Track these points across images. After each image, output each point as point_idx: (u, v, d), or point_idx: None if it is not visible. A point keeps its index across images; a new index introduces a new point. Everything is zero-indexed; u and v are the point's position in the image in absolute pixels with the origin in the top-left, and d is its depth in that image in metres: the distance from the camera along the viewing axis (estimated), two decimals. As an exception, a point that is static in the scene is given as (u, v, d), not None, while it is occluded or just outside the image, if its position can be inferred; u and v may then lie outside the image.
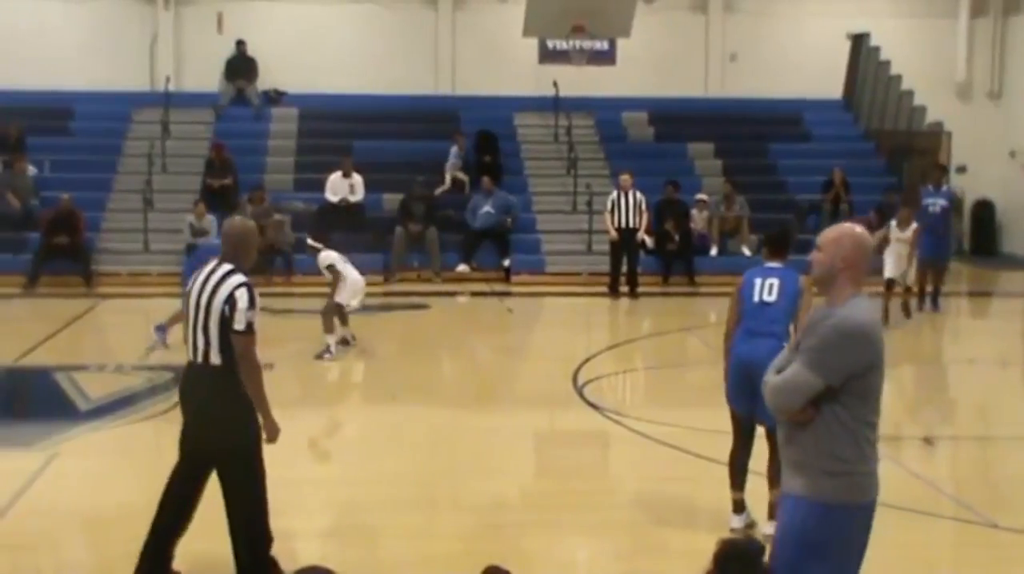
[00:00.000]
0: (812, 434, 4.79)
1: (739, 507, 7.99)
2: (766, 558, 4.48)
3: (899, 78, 24.76)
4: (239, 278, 6.59)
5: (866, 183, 22.93)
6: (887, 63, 25.02)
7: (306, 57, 24.59)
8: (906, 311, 16.63)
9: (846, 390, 4.75)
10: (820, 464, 4.75)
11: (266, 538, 6.81)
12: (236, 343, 6.53)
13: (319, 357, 13.60)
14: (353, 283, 14.05)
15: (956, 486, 9.57)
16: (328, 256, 14.01)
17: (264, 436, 6.75)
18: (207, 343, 6.59)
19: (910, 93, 24.53)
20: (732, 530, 7.87)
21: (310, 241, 14.44)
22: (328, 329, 13.77)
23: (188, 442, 6.82)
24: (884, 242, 16.19)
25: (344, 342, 14.10)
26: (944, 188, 18.81)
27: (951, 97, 25.81)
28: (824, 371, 4.76)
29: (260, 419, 6.71)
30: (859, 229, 5.07)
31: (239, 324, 6.51)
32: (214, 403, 6.66)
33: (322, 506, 8.86)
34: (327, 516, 8.64)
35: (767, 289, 8.15)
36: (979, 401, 13.23)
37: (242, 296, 6.53)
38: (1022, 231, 24.99)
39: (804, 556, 4.60)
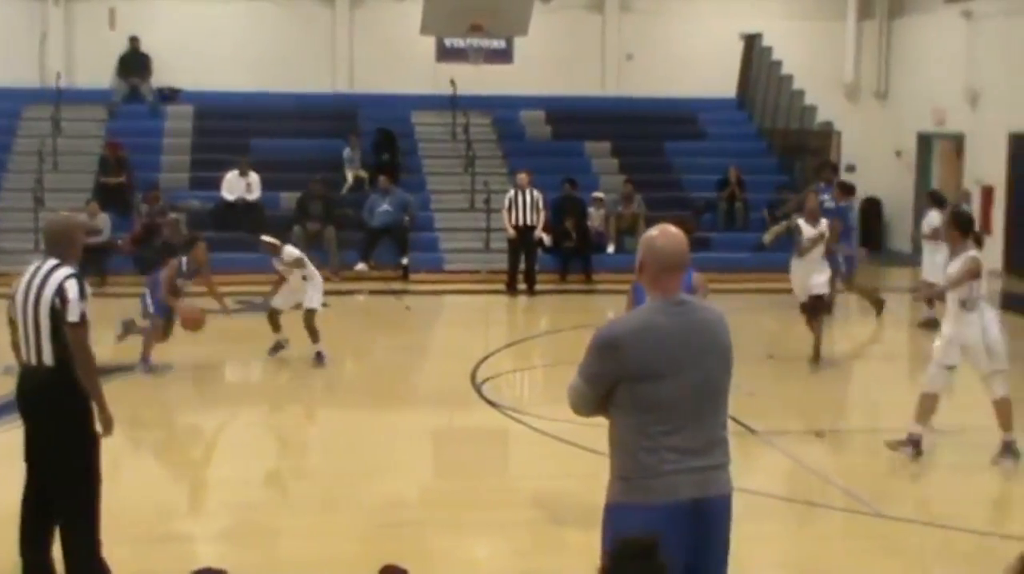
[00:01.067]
0: (610, 440, 4.85)
1: None
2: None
3: (790, 78, 25.19)
4: (67, 270, 6.48)
5: (760, 181, 23.32)
6: (779, 63, 25.44)
7: (201, 54, 24.31)
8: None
9: (622, 398, 4.74)
10: (615, 468, 4.82)
11: (97, 542, 6.64)
12: (70, 335, 6.40)
13: (273, 352, 13.52)
14: (319, 281, 13.78)
15: (845, 478, 9.80)
16: (293, 250, 13.65)
17: (100, 430, 6.59)
18: (39, 343, 6.46)
19: (801, 93, 24.96)
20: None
21: (267, 238, 13.87)
22: (277, 327, 13.59)
23: (29, 446, 6.67)
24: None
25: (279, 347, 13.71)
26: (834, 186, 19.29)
27: (840, 97, 26.31)
28: (586, 377, 4.82)
29: (96, 412, 6.54)
30: (658, 230, 4.91)
31: (72, 315, 6.39)
32: (49, 405, 6.52)
33: (219, 507, 8.82)
34: (224, 517, 8.59)
35: None
36: (867, 395, 13.55)
37: (72, 287, 6.42)
38: (908, 228, 25.58)
39: None
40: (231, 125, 23.77)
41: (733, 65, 26.20)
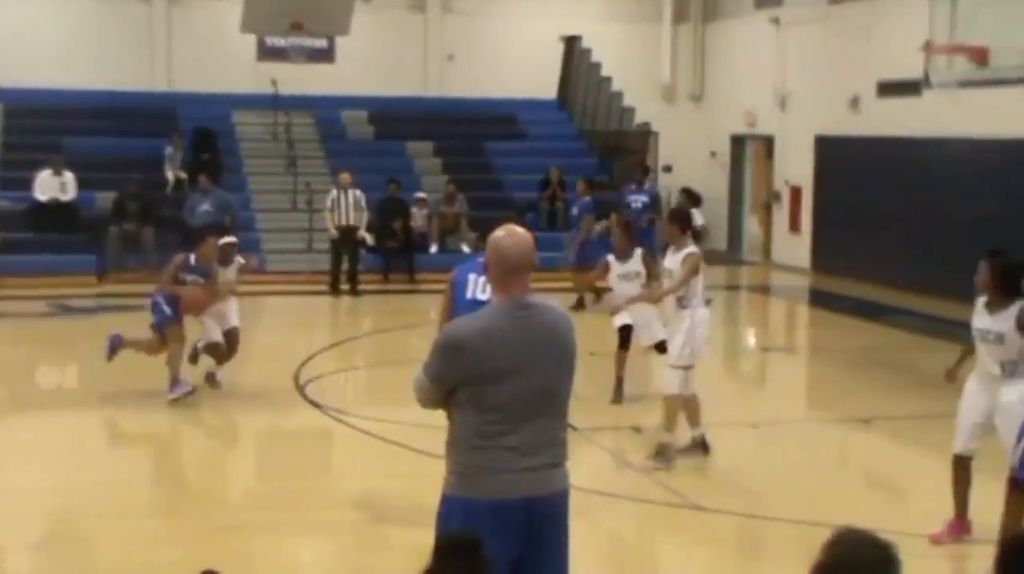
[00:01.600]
0: (447, 434, 4.90)
1: None
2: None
3: (609, 80, 25.66)
4: None
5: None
6: (598, 65, 25.88)
7: (13, 50, 23.51)
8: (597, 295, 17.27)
9: (462, 398, 4.77)
10: (450, 463, 4.86)
11: None
12: None
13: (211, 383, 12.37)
14: None
15: (665, 472, 10.04)
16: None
17: None
18: None
19: (620, 94, 25.45)
20: None
21: (228, 239, 12.76)
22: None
23: None
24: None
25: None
26: (647, 186, 19.76)
27: (657, 99, 26.90)
28: (429, 376, 4.87)
29: None
30: (505, 231, 4.89)
31: None
32: None
33: (32, 517, 8.56)
34: (37, 527, 8.35)
35: (481, 287, 8.38)
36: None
37: None
38: (722, 228, 26.32)
39: None
40: (44, 123, 23.07)
41: (553, 67, 26.57)
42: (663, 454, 9.94)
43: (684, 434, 10.23)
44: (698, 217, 16.49)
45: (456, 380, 4.78)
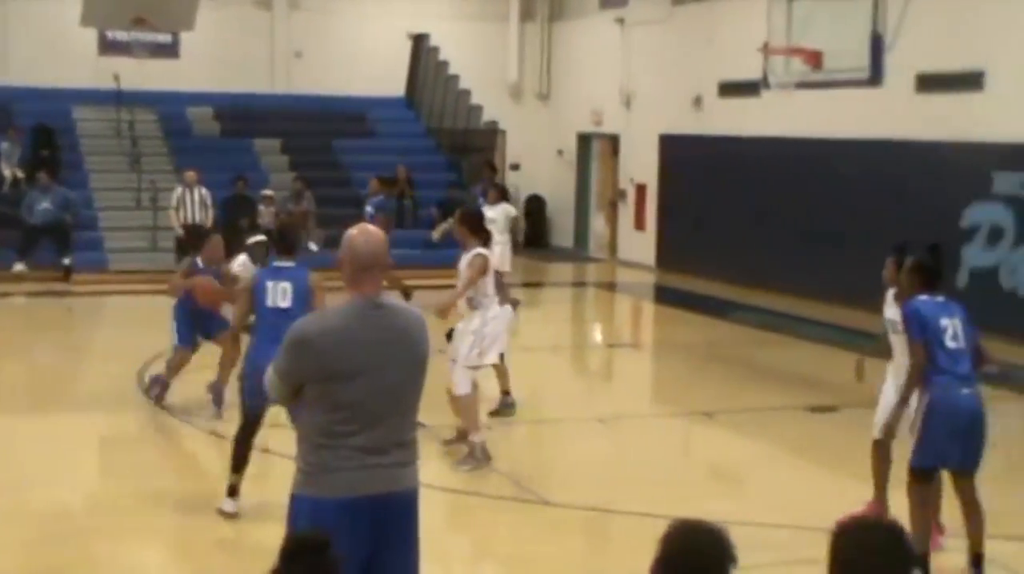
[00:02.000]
0: (296, 431, 4.93)
1: (233, 492, 8.37)
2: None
3: (457, 78, 25.74)
4: None
5: (429, 179, 23.74)
6: (446, 63, 25.95)
7: None
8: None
9: (311, 395, 4.78)
10: (298, 460, 4.86)
11: None
12: None
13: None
14: None
15: (514, 468, 10.16)
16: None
17: None
18: None
19: (467, 92, 25.55)
20: (223, 512, 8.30)
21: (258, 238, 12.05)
22: None
23: None
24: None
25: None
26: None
27: (505, 97, 27.07)
28: (279, 371, 4.86)
29: None
30: (357, 230, 4.91)
31: None
32: None
33: None
34: None
35: (280, 294, 8.33)
36: (533, 386, 14.01)
37: None
38: (569, 225, 26.64)
39: None
40: None
41: (401, 65, 26.56)
42: (472, 454, 9.83)
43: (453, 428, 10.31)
44: (511, 210, 16.46)
45: (304, 377, 4.77)
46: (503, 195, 16.97)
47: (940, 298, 7.45)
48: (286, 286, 8.37)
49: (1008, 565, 7.83)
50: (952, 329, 7.29)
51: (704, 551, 3.44)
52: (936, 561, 7.39)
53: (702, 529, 3.50)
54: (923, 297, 7.42)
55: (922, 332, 7.27)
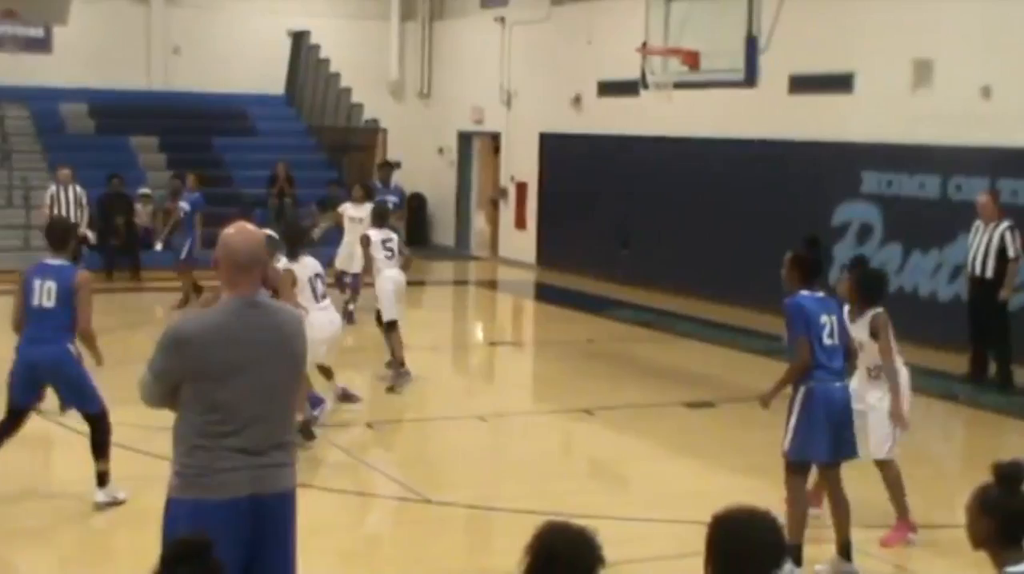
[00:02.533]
0: (173, 434, 4.86)
1: (103, 480, 8.51)
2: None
3: (338, 76, 25.63)
4: None
5: (309, 177, 23.59)
6: (327, 61, 25.81)
7: None
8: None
9: (186, 396, 4.75)
10: (174, 463, 4.83)
11: None
12: None
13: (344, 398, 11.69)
14: None
15: (396, 467, 10.19)
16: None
17: None
18: None
19: (348, 91, 25.45)
20: (96, 504, 8.37)
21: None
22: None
23: None
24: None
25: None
26: (394, 185, 19.31)
27: (385, 96, 27.00)
28: (153, 372, 4.84)
29: None
30: (235, 229, 4.89)
31: None
32: None
33: None
34: None
35: (46, 294, 8.26)
36: (415, 385, 14.02)
37: None
38: (450, 223, 26.69)
39: None
40: None
41: (282, 62, 26.35)
42: (305, 430, 10.07)
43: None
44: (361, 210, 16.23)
45: (179, 376, 4.75)
46: (369, 194, 16.79)
47: (820, 294, 7.65)
48: (51, 286, 8.27)
49: (878, 554, 8.07)
50: (830, 326, 7.51)
51: (571, 555, 3.46)
52: (812, 552, 7.59)
53: (568, 533, 3.51)
54: (805, 293, 7.60)
55: (807, 328, 7.43)
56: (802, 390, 7.48)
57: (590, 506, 7.52)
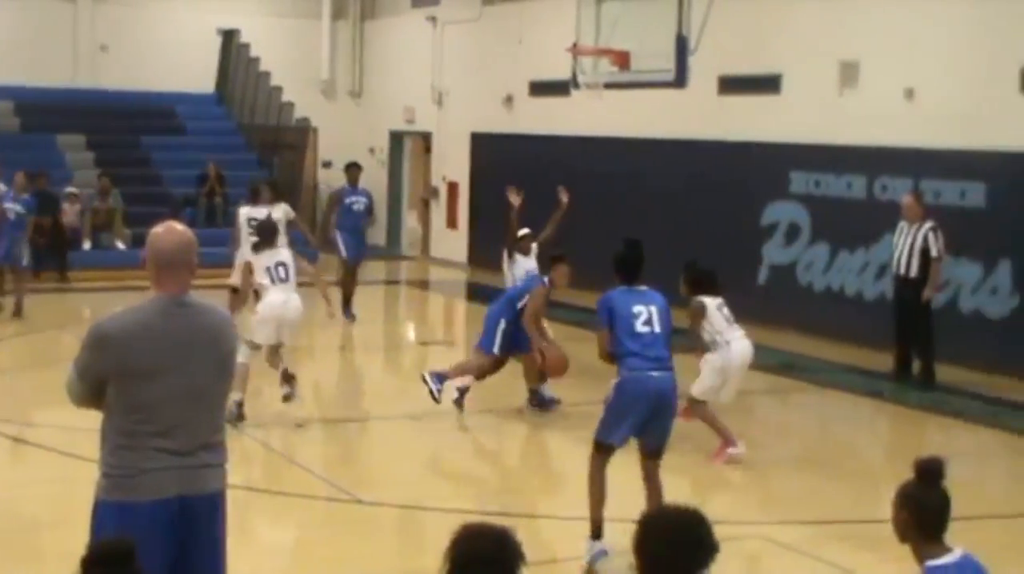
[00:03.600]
0: (100, 436, 4.80)
1: None
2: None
3: (268, 74, 25.50)
4: None
5: (240, 176, 23.37)
6: (257, 60, 25.67)
7: None
8: None
9: (112, 395, 4.71)
10: (101, 465, 4.78)
11: None
12: None
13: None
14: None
15: (326, 467, 10.17)
16: None
17: None
18: None
19: (279, 90, 25.33)
20: None
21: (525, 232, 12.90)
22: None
23: None
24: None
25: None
26: (362, 187, 17.97)
27: (317, 94, 26.89)
28: (77, 371, 4.80)
29: None
30: (163, 228, 4.85)
31: None
32: None
33: None
34: None
35: None
36: (346, 385, 14.03)
37: None
38: (382, 223, 26.57)
39: None
40: None
41: (211, 60, 26.17)
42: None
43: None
44: (290, 211, 16.01)
45: (102, 375, 4.70)
46: (279, 194, 16.50)
47: (643, 288, 7.88)
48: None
49: (804, 549, 8.18)
50: (647, 314, 7.70)
51: (491, 556, 3.46)
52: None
53: (488, 534, 3.51)
54: (620, 289, 7.86)
55: (607, 321, 7.72)
56: (617, 378, 7.73)
57: (522, 505, 7.57)
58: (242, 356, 10.44)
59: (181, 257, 4.78)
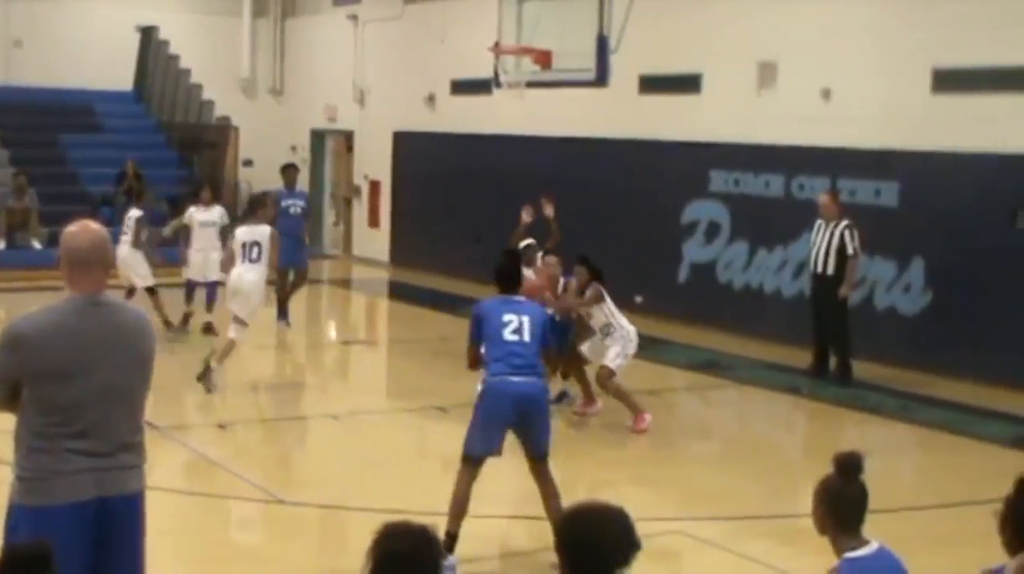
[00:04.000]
0: (14, 438, 4.74)
1: None
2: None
3: (188, 72, 25.26)
4: None
5: (160, 175, 23.17)
6: (176, 57, 25.42)
7: None
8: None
9: (26, 397, 4.64)
10: (15, 468, 4.72)
11: None
12: None
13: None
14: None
15: (248, 468, 10.10)
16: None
17: None
18: None
19: (199, 87, 25.10)
20: None
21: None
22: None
23: None
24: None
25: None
26: (299, 189, 17.66)
27: (237, 92, 26.68)
28: None
29: None
30: (78, 226, 4.80)
31: None
32: None
33: None
34: None
35: None
36: (268, 384, 13.92)
37: None
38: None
39: None
40: None
41: (130, 57, 25.86)
42: (207, 378, 12.04)
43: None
44: (225, 215, 15.92)
45: (15, 376, 4.63)
46: (217, 196, 16.34)
47: (519, 299, 7.94)
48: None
49: (724, 545, 8.28)
50: (517, 323, 7.71)
51: (413, 555, 3.48)
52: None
53: (408, 533, 3.53)
54: (496, 298, 7.94)
55: (477, 330, 7.81)
56: (480, 386, 7.74)
57: (446, 504, 7.56)
58: (233, 332, 12.37)
59: (96, 256, 4.74)
